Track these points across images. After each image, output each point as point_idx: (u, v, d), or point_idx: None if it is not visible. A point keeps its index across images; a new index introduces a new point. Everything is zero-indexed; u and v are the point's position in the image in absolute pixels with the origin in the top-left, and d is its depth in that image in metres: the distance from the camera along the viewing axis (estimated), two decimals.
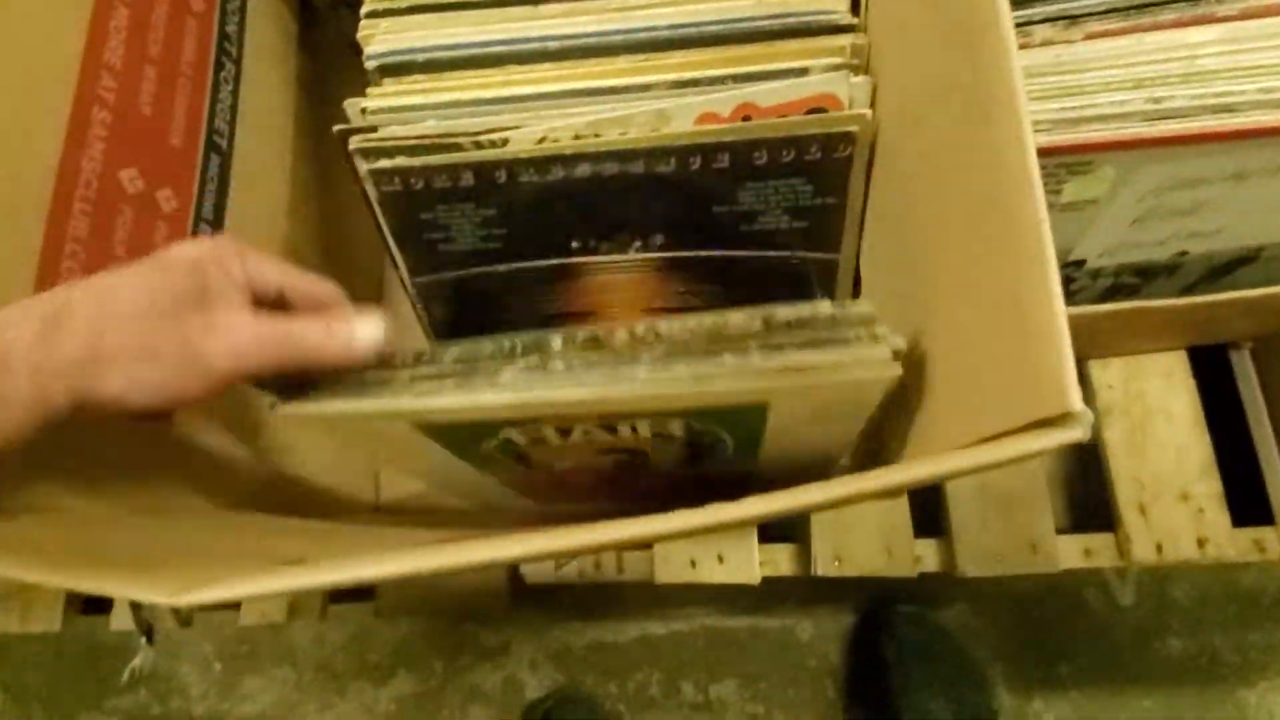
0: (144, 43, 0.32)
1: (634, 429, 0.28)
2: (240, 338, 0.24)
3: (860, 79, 0.31)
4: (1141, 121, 0.25)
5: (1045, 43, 0.27)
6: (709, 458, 0.33)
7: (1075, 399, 0.16)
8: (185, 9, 0.35)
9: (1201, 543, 0.45)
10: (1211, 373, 0.47)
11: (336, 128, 0.33)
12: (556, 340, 0.25)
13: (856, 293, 0.39)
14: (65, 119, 0.28)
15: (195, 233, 0.34)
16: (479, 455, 0.32)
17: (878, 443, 0.34)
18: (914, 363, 0.26)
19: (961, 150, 0.23)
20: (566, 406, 0.25)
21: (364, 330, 0.26)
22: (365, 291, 0.50)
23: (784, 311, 0.24)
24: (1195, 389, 0.46)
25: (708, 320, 0.24)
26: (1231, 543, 0.45)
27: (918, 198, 0.29)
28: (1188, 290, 0.37)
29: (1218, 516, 0.45)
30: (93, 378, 0.22)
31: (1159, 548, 0.45)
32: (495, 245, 0.36)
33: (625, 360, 0.24)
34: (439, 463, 0.33)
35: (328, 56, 0.50)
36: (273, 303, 0.26)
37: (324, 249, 0.47)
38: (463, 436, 0.29)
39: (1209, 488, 0.45)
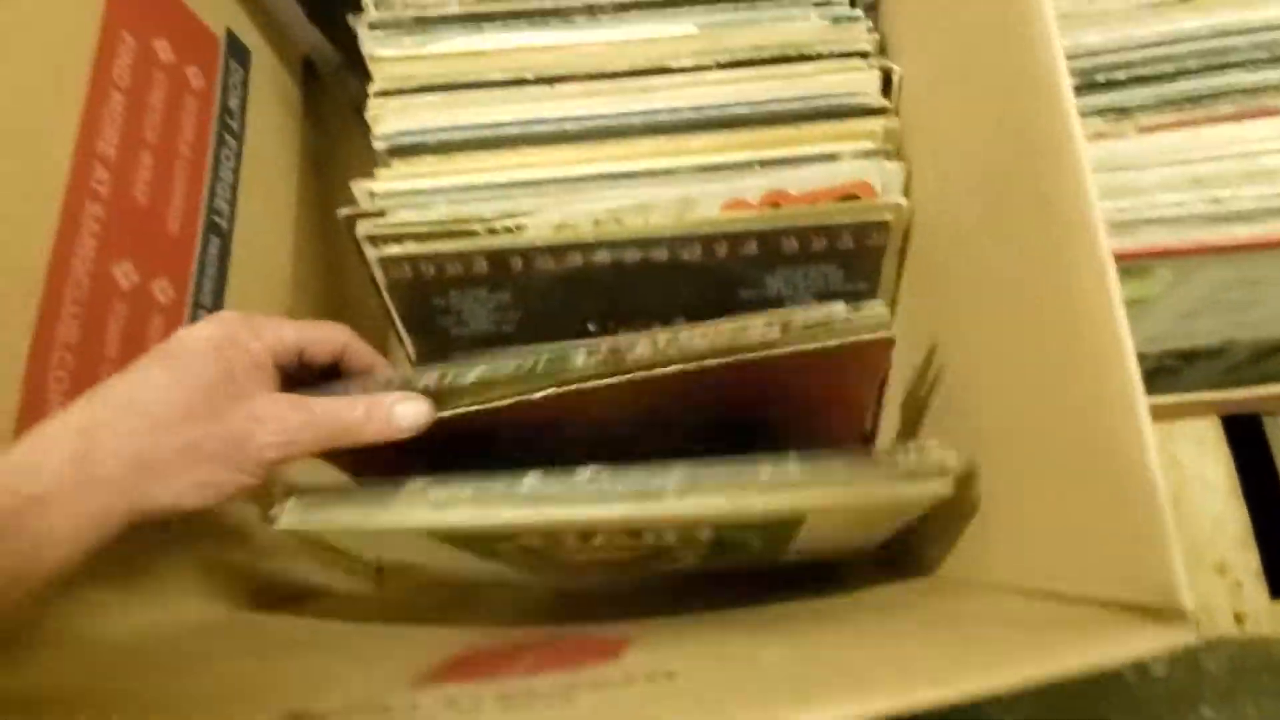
0: (140, 128, 0.30)
1: (659, 535, 0.27)
2: (287, 426, 0.23)
3: (894, 165, 0.29)
4: (1202, 224, 0.24)
5: (1097, 136, 0.26)
6: (734, 553, 0.31)
7: (1186, 595, 0.14)
8: (184, 88, 0.33)
9: (1239, 618, 0.43)
10: (1243, 438, 0.46)
11: (342, 212, 0.32)
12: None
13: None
14: (55, 218, 0.26)
15: (194, 320, 0.32)
16: (496, 554, 0.30)
17: (915, 536, 0.32)
18: (962, 475, 0.25)
19: (1012, 244, 0.22)
20: (590, 523, 0.23)
21: (404, 410, 0.25)
22: None
23: (801, 315, 0.23)
24: (1230, 457, 0.44)
25: (726, 328, 0.24)
26: (1271, 618, 0.43)
27: (957, 289, 0.27)
28: (1230, 370, 0.36)
29: (1256, 591, 0.43)
30: (141, 498, 0.21)
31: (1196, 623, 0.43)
32: (509, 329, 0.35)
33: (655, 473, 0.23)
34: (447, 560, 0.31)
35: (331, 120, 0.48)
36: (296, 362, 0.26)
37: (326, 317, 0.45)
38: (480, 540, 0.27)
39: (1247, 560, 0.44)
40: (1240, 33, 0.26)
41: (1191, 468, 0.45)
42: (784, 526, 0.25)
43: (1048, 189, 0.19)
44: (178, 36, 0.33)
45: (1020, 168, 0.21)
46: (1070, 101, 0.19)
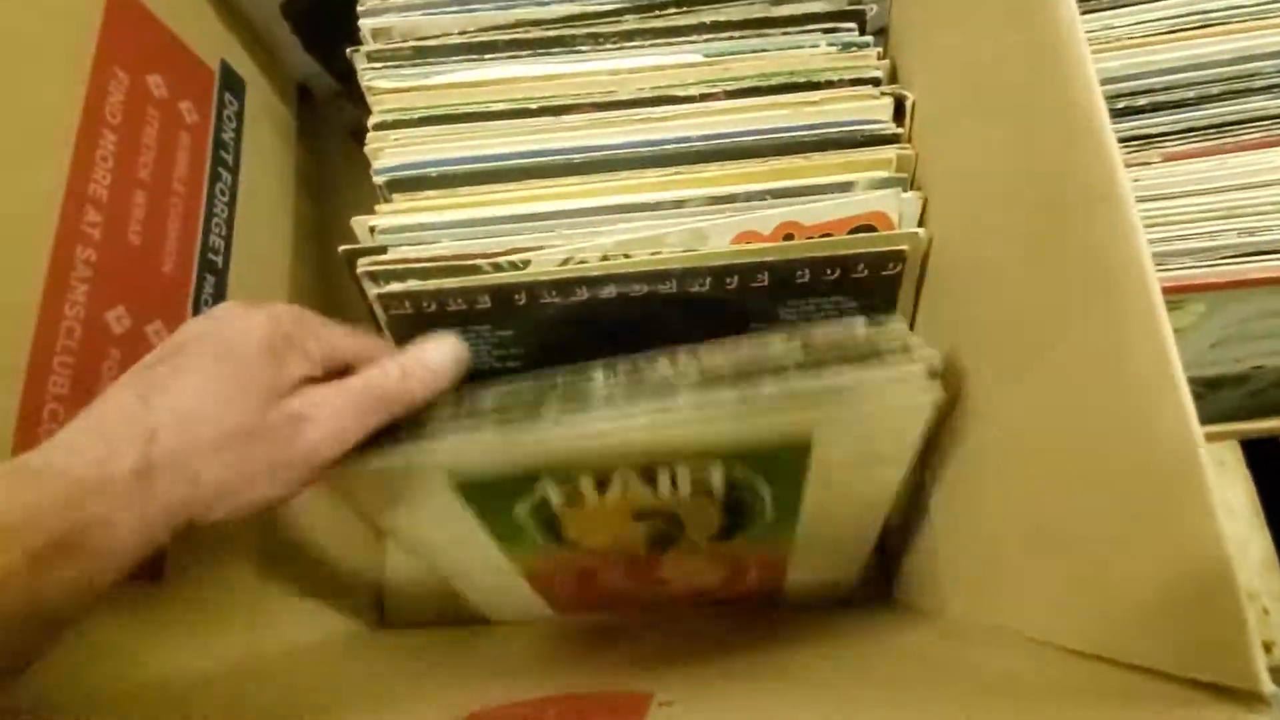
0: (133, 167, 0.29)
1: (674, 482, 0.28)
2: (339, 422, 0.23)
3: (910, 195, 0.28)
4: (1235, 258, 0.23)
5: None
6: (747, 526, 0.31)
7: (1266, 679, 0.13)
8: (178, 123, 0.32)
9: (1269, 647, 0.42)
10: (1264, 461, 0.45)
11: (342, 248, 0.31)
12: (598, 373, 0.26)
13: None
14: (45, 266, 0.25)
15: None
16: (511, 526, 0.30)
17: (936, 574, 0.31)
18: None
19: (1047, 280, 0.21)
20: (607, 440, 0.24)
21: (437, 353, 0.26)
22: None
23: (822, 333, 0.24)
24: (1251, 480, 0.43)
25: (746, 346, 0.25)
26: None
27: (982, 321, 0.26)
28: (1253, 394, 0.35)
29: None
30: (196, 513, 0.21)
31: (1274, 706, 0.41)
32: (514, 365, 0.34)
33: (666, 389, 0.24)
34: (464, 538, 0.31)
35: (327, 145, 0.48)
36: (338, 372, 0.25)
37: None
38: (499, 495, 0.28)
39: (1272, 585, 0.43)
40: (1262, 57, 0.26)
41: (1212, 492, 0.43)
42: (792, 458, 0.26)
43: (1091, 228, 0.18)
44: (172, 71, 0.32)
45: (1057, 202, 0.20)
46: (1110, 136, 0.18)
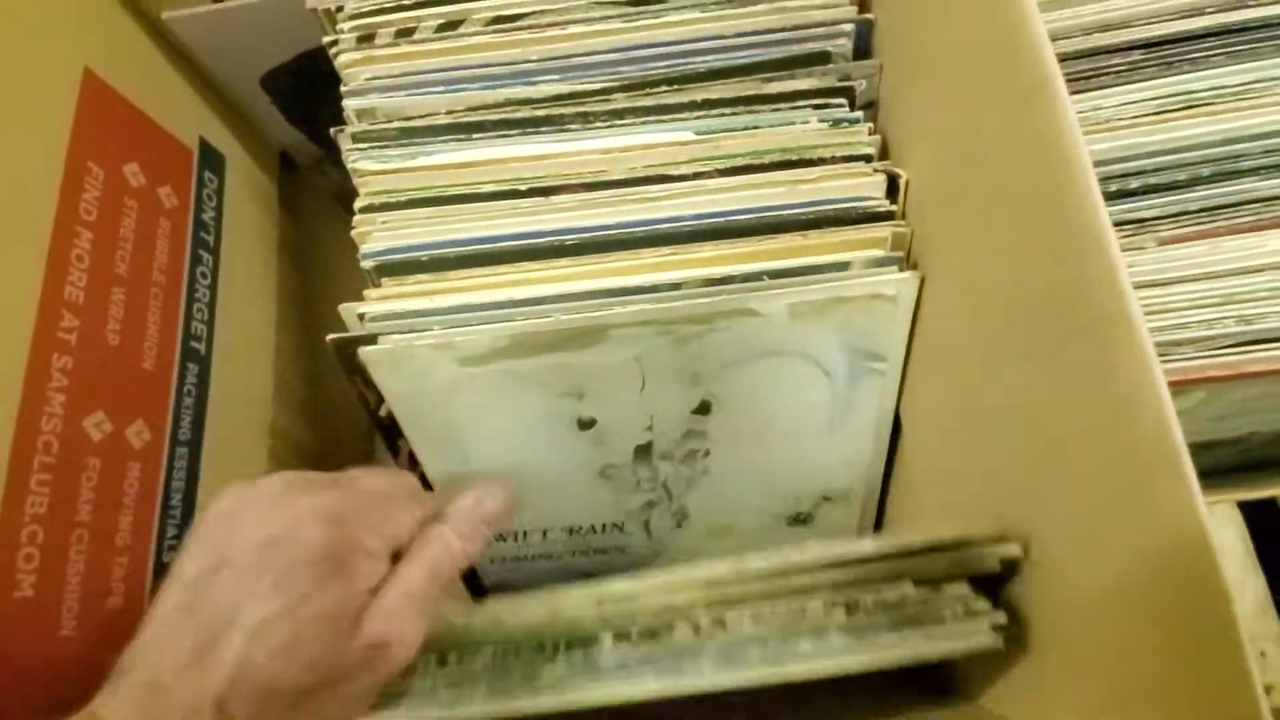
0: (110, 263, 0.28)
1: None
2: (419, 629, 0.20)
3: (908, 275, 0.28)
4: (1234, 347, 0.23)
5: None
6: None
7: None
8: (157, 210, 0.32)
9: (1269, 689, 0.42)
10: (1255, 502, 0.45)
11: (330, 337, 0.30)
12: (606, 638, 0.21)
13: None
14: (20, 380, 0.24)
15: (171, 461, 0.30)
16: None
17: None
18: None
19: (1048, 365, 0.21)
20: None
21: (492, 506, 0.24)
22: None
23: (870, 598, 0.22)
24: (1242, 522, 0.44)
25: (782, 608, 0.22)
26: None
27: (981, 403, 0.26)
28: (1245, 451, 0.35)
29: None
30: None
31: None
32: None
33: (689, 653, 0.21)
34: None
35: (310, 209, 0.47)
36: None
37: (310, 421, 0.43)
38: None
39: (1268, 628, 0.43)
40: (1247, 139, 0.26)
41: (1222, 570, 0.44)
42: None
43: (1091, 314, 0.18)
44: (149, 157, 0.31)
45: (1054, 286, 0.20)
46: (1105, 220, 0.18)
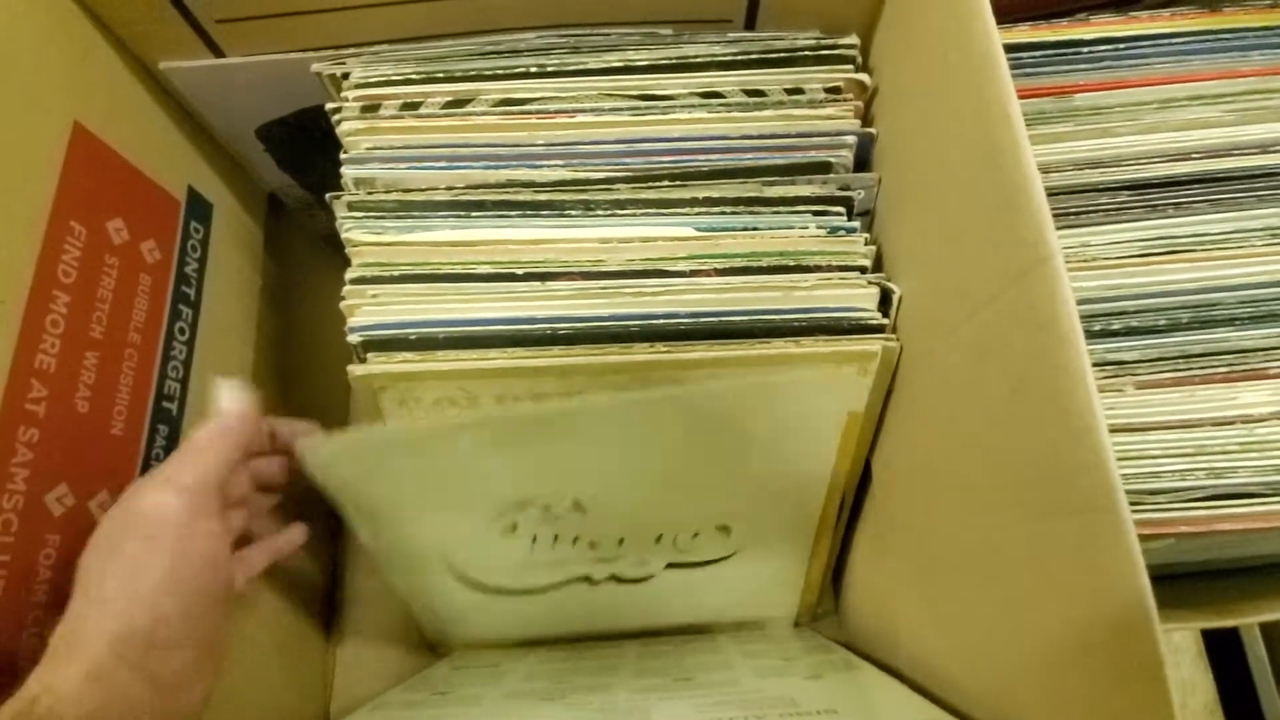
0: (86, 327, 0.27)
1: None
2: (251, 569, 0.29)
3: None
4: (1204, 500, 0.24)
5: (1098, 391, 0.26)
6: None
7: None
8: (138, 266, 0.31)
9: None
10: None
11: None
12: None
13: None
14: None
15: None
16: None
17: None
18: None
19: (1025, 514, 0.22)
20: None
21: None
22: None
23: None
24: None
25: None
26: None
27: (957, 543, 0.27)
28: (1207, 562, 0.37)
29: None
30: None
31: None
32: None
33: None
34: None
35: (297, 249, 0.46)
36: None
37: None
38: None
39: None
40: (1224, 289, 0.27)
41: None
42: None
43: (1079, 501, 0.19)
44: (135, 211, 0.31)
45: (1042, 462, 0.21)
46: (1099, 411, 0.19)
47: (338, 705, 0.42)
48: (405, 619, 0.41)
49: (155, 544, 0.23)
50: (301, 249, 0.46)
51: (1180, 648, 0.45)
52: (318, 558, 0.43)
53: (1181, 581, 0.31)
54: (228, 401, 0.27)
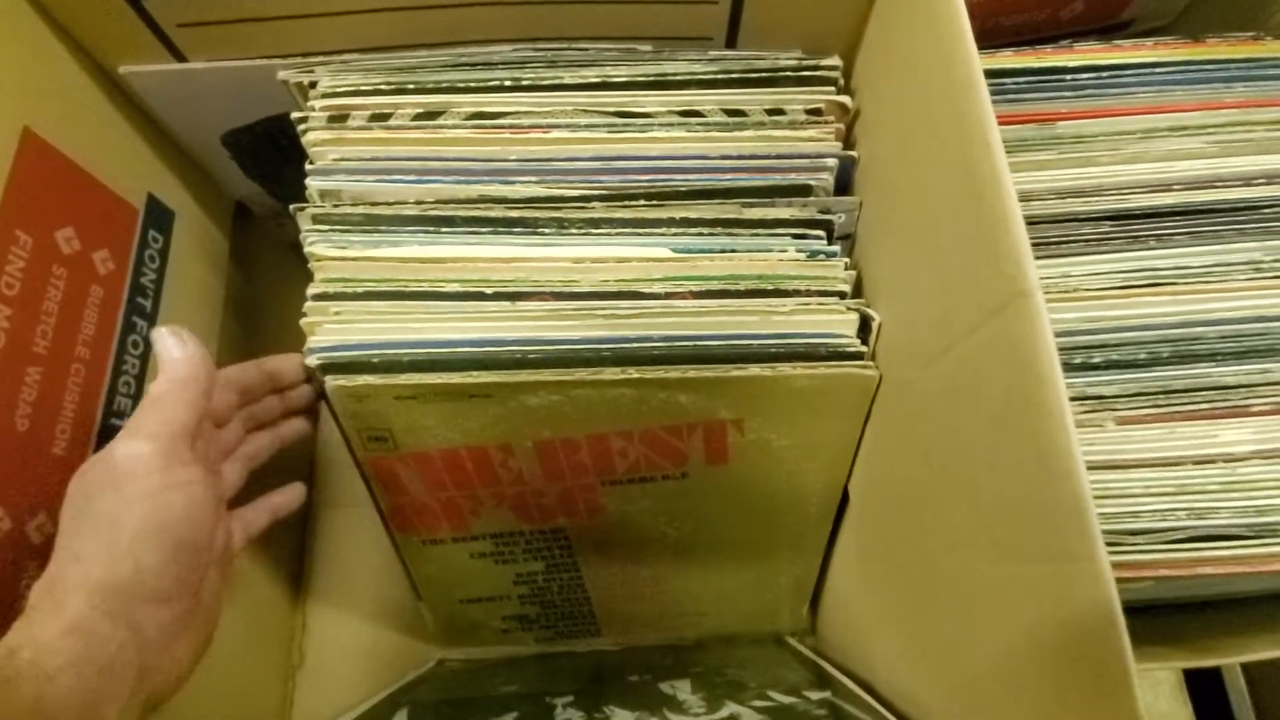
0: (28, 342, 0.26)
1: None
2: (250, 528, 0.29)
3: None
4: (1185, 542, 0.24)
5: (1077, 426, 0.25)
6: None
7: None
8: (89, 277, 0.29)
9: None
10: None
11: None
12: None
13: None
14: None
15: None
16: None
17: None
18: None
19: (1003, 549, 0.21)
20: None
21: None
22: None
23: None
24: None
25: None
26: None
27: (939, 579, 0.26)
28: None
29: None
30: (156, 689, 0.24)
31: None
32: None
33: None
34: None
35: (262, 259, 0.45)
36: None
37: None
38: None
39: None
40: (1204, 323, 0.27)
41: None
42: None
43: (1048, 510, 0.18)
44: (87, 219, 0.29)
45: (1025, 508, 0.20)
46: (1070, 428, 0.18)
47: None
48: (375, 589, 0.43)
49: (129, 493, 0.23)
50: (270, 258, 0.45)
51: (1159, 680, 0.45)
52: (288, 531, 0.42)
53: (1161, 614, 0.31)
54: (173, 349, 0.25)
